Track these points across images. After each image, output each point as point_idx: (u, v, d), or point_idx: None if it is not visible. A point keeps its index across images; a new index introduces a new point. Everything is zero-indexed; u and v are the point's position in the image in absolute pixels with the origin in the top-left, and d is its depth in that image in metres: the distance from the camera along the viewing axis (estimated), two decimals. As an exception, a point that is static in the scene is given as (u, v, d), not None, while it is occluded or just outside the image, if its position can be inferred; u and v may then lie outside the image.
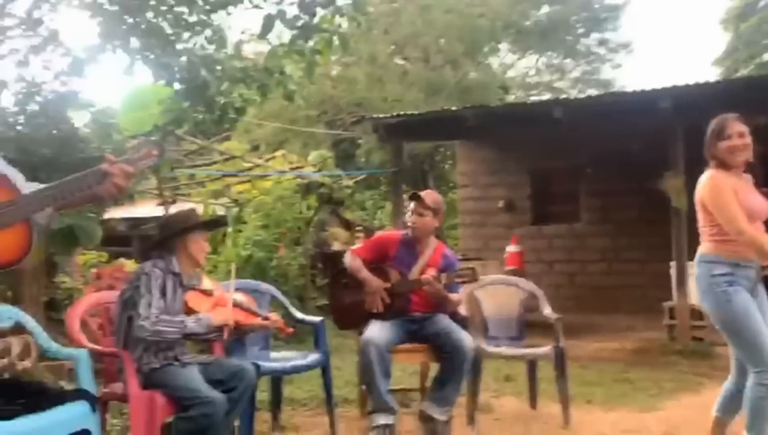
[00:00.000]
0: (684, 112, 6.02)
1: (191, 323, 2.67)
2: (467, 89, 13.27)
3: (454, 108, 7.57)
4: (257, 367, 3.12)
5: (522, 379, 4.96)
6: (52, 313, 4.69)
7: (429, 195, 3.83)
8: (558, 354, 3.85)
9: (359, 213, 10.67)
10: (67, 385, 3.08)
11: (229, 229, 7.26)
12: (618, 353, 6.33)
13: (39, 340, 2.73)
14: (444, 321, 3.72)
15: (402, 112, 7.43)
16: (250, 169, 6.61)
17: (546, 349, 3.88)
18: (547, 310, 4.19)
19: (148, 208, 9.29)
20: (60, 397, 2.33)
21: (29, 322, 2.72)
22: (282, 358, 3.59)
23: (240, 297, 3.05)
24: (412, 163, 12.20)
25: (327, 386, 3.49)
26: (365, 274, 3.73)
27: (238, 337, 3.06)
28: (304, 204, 7.54)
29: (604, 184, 9.05)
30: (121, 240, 9.66)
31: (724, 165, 2.90)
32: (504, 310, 4.36)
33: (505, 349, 3.89)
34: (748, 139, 2.89)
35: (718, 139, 2.91)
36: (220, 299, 2.93)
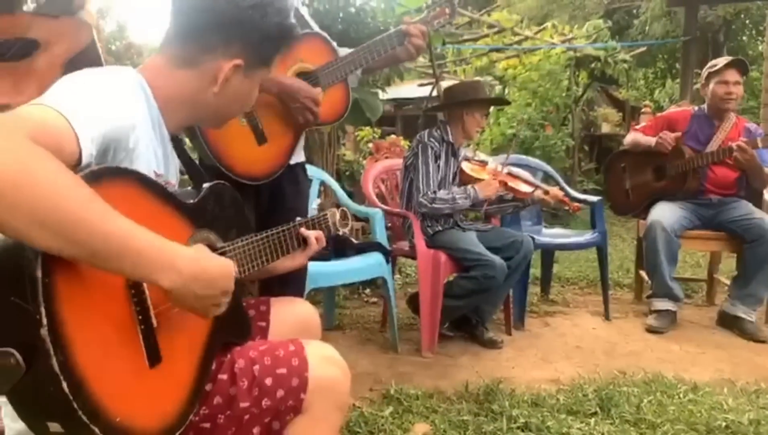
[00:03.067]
0: None
1: (461, 200, 2.74)
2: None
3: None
4: (533, 239, 3.12)
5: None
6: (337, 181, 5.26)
7: (741, 61, 3.26)
8: None
9: (632, 92, 9.64)
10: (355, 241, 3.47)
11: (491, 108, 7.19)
12: None
13: (339, 199, 3.07)
14: (746, 206, 3.25)
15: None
16: (519, 42, 6.31)
17: None
18: None
19: (410, 89, 9.65)
20: (361, 248, 2.62)
21: (332, 183, 3.06)
22: (555, 234, 3.53)
23: (519, 170, 3.01)
24: (701, 34, 10.46)
25: (602, 266, 3.34)
26: (651, 139, 3.37)
27: (516, 209, 3.05)
28: (573, 80, 7.05)
29: None
30: (387, 120, 10.29)
31: None
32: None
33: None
34: None
35: None
36: (494, 171, 2.93)
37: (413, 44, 1.97)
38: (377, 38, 1.95)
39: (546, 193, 2.95)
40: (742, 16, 11.79)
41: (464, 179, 2.90)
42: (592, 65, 7.20)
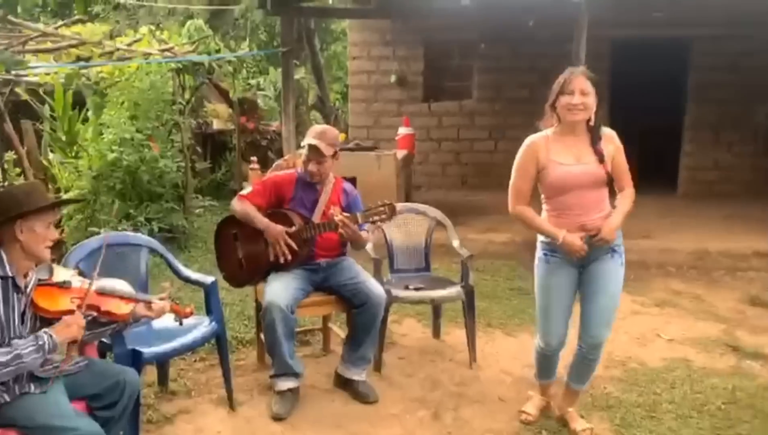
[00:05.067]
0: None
1: (30, 356, 2.04)
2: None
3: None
4: (140, 356, 2.68)
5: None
6: None
7: (327, 137, 3.31)
8: (468, 293, 3.72)
9: (239, 84, 9.58)
10: None
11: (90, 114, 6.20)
12: (508, 247, 6.37)
13: None
14: (351, 269, 3.42)
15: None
16: (110, 53, 5.46)
17: (455, 290, 3.73)
18: (456, 243, 3.99)
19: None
20: None
21: None
22: (166, 334, 3.01)
23: (111, 283, 2.47)
24: (297, 19, 10.98)
25: (222, 355, 3.12)
26: (262, 220, 3.27)
27: (115, 331, 2.53)
28: (180, 86, 6.55)
29: (496, 62, 8.79)
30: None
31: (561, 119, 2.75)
32: (411, 240, 4.13)
33: (414, 293, 3.68)
34: (590, 99, 2.67)
35: (561, 93, 2.69)
36: (79, 291, 2.33)
37: None
38: None
39: (149, 306, 2.51)
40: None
41: (40, 314, 2.25)
42: (197, 68, 6.83)
